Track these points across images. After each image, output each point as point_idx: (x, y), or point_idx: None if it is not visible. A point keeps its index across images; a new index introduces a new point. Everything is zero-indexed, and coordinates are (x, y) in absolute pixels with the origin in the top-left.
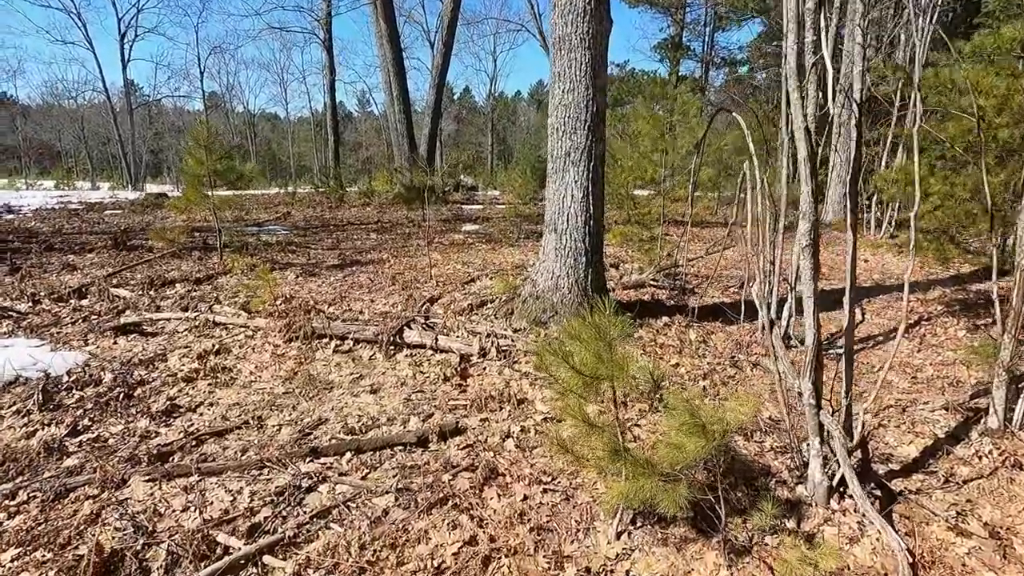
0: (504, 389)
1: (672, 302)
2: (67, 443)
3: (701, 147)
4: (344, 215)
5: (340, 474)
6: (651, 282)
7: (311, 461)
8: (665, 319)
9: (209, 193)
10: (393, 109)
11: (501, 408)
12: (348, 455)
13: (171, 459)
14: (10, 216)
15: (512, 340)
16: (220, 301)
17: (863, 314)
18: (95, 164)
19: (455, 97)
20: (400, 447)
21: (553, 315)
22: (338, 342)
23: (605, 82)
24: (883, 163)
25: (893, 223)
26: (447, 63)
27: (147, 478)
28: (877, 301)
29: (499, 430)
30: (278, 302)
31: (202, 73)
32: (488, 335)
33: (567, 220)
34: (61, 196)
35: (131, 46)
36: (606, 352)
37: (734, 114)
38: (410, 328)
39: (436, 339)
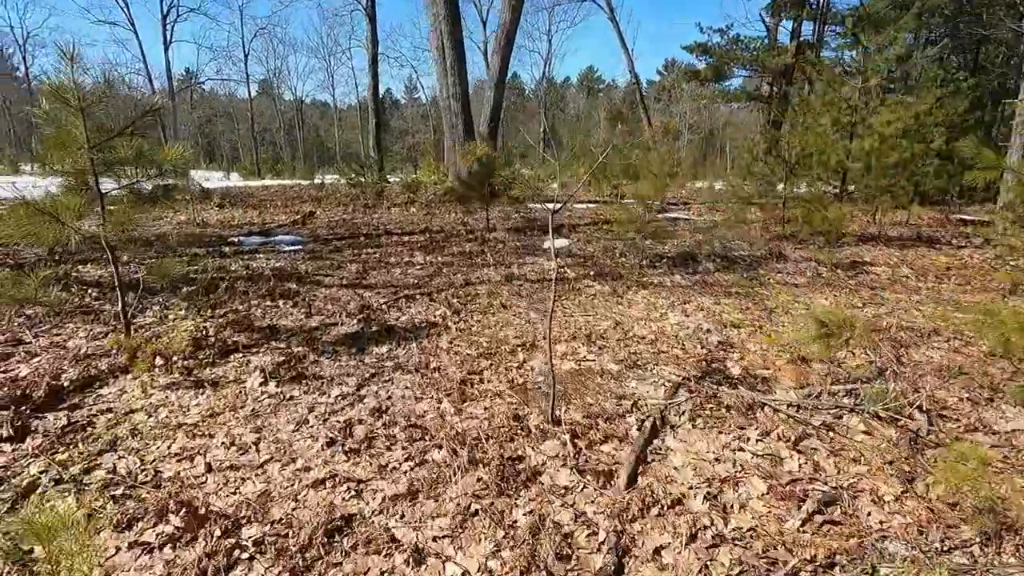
0: None
1: None
2: None
3: None
4: (381, 218)
5: None
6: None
7: None
8: None
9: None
10: (446, 81)
11: None
12: None
13: None
14: None
15: None
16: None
17: None
18: None
19: None
20: None
21: None
22: None
23: None
24: None
25: None
26: (517, 18)
27: None
28: None
29: None
30: (166, 527)
31: (246, 56)
32: None
33: None
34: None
35: (173, 26)
36: None
37: None
38: None
39: None
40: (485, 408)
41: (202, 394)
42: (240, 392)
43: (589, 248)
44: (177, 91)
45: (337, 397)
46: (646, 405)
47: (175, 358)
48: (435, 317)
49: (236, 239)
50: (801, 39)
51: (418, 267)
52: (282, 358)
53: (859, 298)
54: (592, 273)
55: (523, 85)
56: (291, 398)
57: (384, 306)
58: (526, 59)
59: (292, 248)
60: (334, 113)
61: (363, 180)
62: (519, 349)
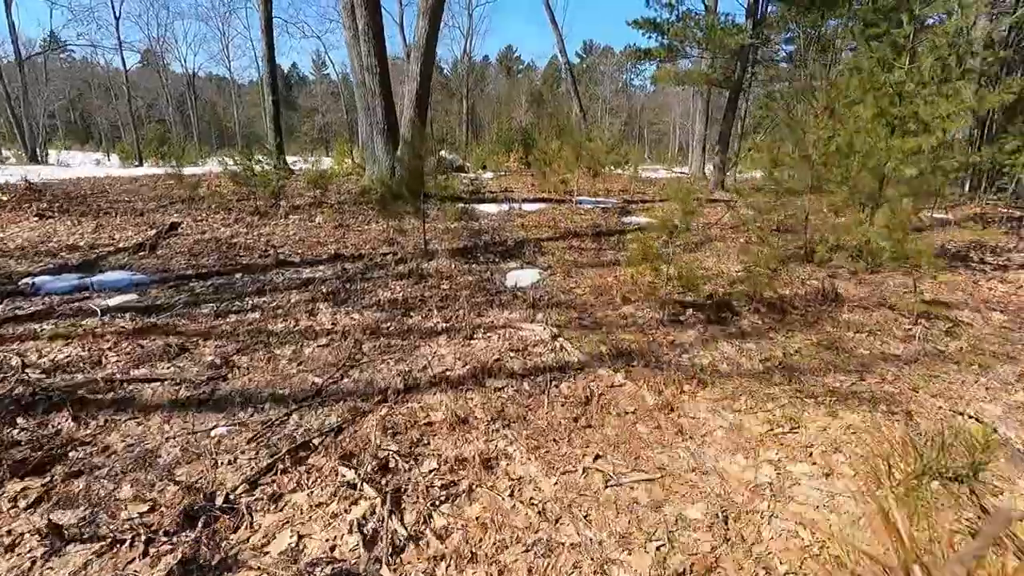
0: None
1: None
2: None
3: None
4: (274, 234)
5: None
6: None
7: None
8: None
9: None
10: (358, 50)
11: None
12: None
13: None
14: None
15: None
16: None
17: None
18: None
19: None
20: None
21: None
22: None
23: None
24: None
25: None
26: None
27: None
28: None
29: None
30: None
31: (118, 19)
32: None
33: None
34: None
35: None
36: None
37: None
38: None
39: None
40: None
41: None
42: None
43: (572, 284)
44: (27, 57)
45: None
46: None
47: None
48: (356, 552)
49: (30, 281)
50: (759, 16)
51: (323, 341)
52: None
53: None
54: (605, 349)
55: (441, 63)
56: None
57: (241, 499)
58: (445, 35)
59: (118, 301)
60: (231, 88)
61: (254, 175)
62: None
